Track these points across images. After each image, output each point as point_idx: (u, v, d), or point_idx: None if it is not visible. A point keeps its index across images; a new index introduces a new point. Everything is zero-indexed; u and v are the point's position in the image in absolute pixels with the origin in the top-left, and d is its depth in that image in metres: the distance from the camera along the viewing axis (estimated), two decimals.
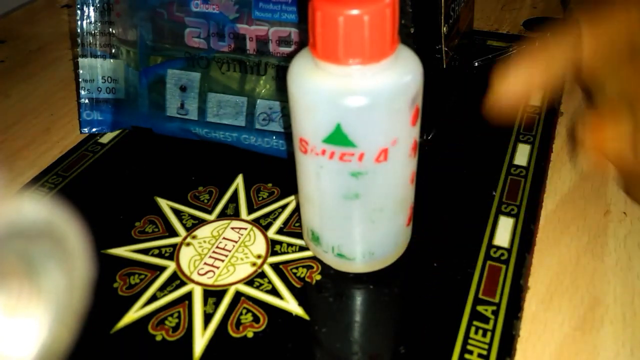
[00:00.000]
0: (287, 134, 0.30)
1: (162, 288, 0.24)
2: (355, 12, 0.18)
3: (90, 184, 0.31)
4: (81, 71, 0.33)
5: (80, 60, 0.33)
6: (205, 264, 0.25)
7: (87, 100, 0.34)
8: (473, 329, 0.22)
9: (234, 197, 0.29)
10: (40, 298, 0.11)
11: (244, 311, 0.23)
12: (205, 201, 0.29)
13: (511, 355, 0.21)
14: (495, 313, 0.23)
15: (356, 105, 0.19)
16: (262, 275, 0.25)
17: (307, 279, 0.24)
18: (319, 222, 0.23)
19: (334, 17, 0.18)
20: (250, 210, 0.28)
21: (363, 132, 0.19)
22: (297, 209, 0.28)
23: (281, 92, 0.30)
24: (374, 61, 0.19)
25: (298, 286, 0.24)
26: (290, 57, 0.29)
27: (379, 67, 0.19)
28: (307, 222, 0.24)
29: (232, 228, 0.27)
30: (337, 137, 0.19)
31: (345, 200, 0.21)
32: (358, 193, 0.21)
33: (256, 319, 0.23)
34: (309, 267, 0.25)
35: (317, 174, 0.21)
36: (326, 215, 0.22)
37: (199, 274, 0.25)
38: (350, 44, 0.18)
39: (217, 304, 0.24)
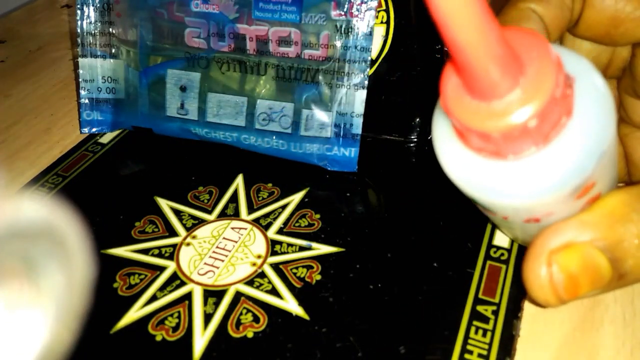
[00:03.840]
0: (287, 134, 0.30)
1: (162, 288, 0.24)
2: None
3: (90, 184, 0.31)
4: (81, 71, 0.33)
5: (80, 60, 0.33)
6: (205, 264, 0.25)
7: (87, 100, 0.34)
8: (473, 329, 0.22)
9: (234, 197, 0.29)
10: (40, 298, 0.11)
11: (244, 311, 0.23)
12: (205, 201, 0.29)
13: (511, 355, 0.21)
14: (495, 313, 0.23)
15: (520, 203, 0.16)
16: (262, 275, 0.25)
17: (307, 279, 0.24)
18: None
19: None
20: (250, 210, 0.28)
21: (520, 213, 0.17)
22: (297, 208, 0.28)
23: (281, 92, 0.30)
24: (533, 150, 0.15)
25: (298, 286, 0.24)
26: (290, 57, 0.29)
27: (535, 156, 0.15)
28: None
29: (232, 228, 0.27)
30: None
31: None
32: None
33: (256, 319, 0.23)
34: (309, 267, 0.25)
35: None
36: None
37: (199, 274, 0.25)
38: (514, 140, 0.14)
39: (217, 304, 0.24)
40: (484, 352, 0.21)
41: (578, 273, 0.16)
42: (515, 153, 0.14)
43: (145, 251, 0.26)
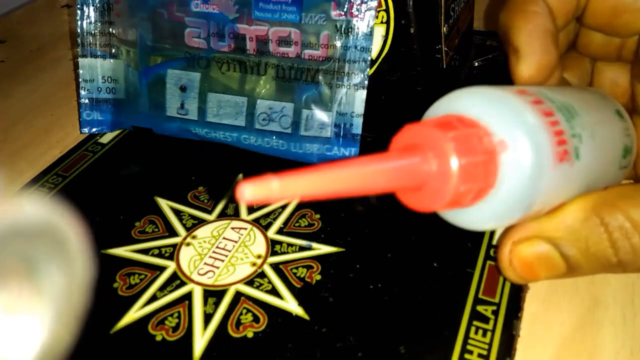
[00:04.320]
0: (287, 134, 0.30)
1: (162, 288, 0.24)
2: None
3: (90, 184, 0.31)
4: (81, 71, 0.33)
5: (80, 60, 0.33)
6: (205, 264, 0.25)
7: (87, 100, 0.34)
8: (473, 329, 0.22)
9: (234, 197, 0.29)
10: (40, 298, 0.11)
11: (244, 311, 0.23)
12: (205, 201, 0.29)
13: (511, 355, 0.21)
14: (495, 313, 0.23)
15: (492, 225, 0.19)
16: (262, 275, 0.25)
17: (307, 279, 0.24)
18: None
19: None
20: (250, 210, 0.28)
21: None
22: (297, 208, 0.28)
23: (281, 92, 0.30)
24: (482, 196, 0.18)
25: (298, 286, 0.24)
26: (290, 57, 0.29)
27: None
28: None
29: (232, 228, 0.27)
30: None
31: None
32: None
33: (256, 319, 0.23)
34: (309, 267, 0.25)
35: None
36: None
37: (199, 274, 0.25)
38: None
39: (217, 304, 0.24)
40: (484, 352, 0.21)
41: (532, 261, 0.20)
42: (470, 204, 0.18)
43: (145, 251, 0.26)
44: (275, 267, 0.25)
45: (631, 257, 0.18)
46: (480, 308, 0.23)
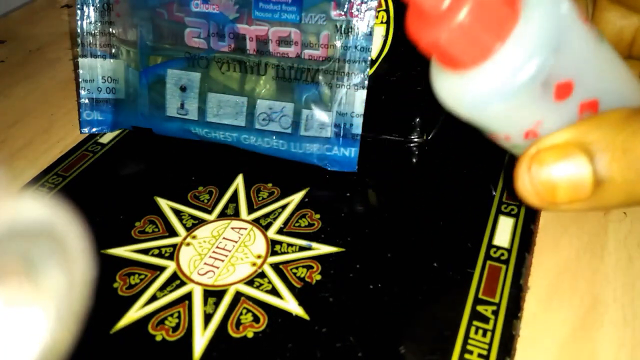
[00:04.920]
0: (287, 134, 0.30)
1: (162, 288, 0.24)
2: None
3: (90, 184, 0.31)
4: (81, 71, 0.33)
5: (80, 60, 0.33)
6: (205, 264, 0.25)
7: (87, 100, 0.34)
8: (473, 329, 0.22)
9: (234, 197, 0.29)
10: (40, 298, 0.11)
11: (244, 311, 0.23)
12: (205, 201, 0.29)
13: (511, 355, 0.21)
14: (495, 313, 0.23)
15: (495, 108, 0.17)
16: (262, 275, 0.25)
17: (307, 279, 0.24)
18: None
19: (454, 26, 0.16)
20: (250, 210, 0.28)
21: (504, 121, 0.18)
22: (297, 208, 0.28)
23: (281, 92, 0.30)
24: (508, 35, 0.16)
25: (298, 286, 0.24)
26: (290, 57, 0.29)
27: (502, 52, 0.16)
28: None
29: (232, 228, 0.27)
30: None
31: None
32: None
33: (256, 319, 0.23)
34: (309, 267, 0.25)
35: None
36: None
37: (199, 274, 0.25)
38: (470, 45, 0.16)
39: (217, 304, 0.24)
40: (484, 352, 0.21)
41: (557, 172, 0.17)
42: (472, 60, 0.16)
43: (145, 251, 0.26)
44: (275, 267, 0.25)
45: None
46: (480, 308, 0.23)
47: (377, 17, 0.29)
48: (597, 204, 0.17)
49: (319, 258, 0.25)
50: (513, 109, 0.17)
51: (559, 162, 0.17)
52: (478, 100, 0.17)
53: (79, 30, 0.33)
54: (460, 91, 0.17)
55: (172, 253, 0.26)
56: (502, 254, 0.25)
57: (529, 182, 0.17)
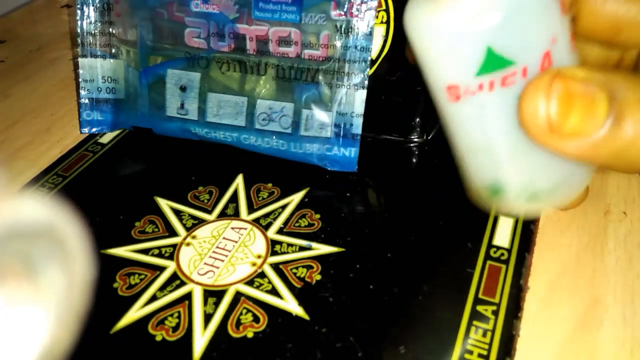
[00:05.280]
0: (287, 134, 0.30)
1: (162, 288, 0.24)
2: None
3: (90, 184, 0.31)
4: (81, 71, 0.33)
5: (80, 60, 0.33)
6: (205, 264, 0.25)
7: (87, 100, 0.34)
8: (473, 329, 0.22)
9: (234, 197, 0.29)
10: (39, 298, 0.11)
11: (244, 311, 0.23)
12: (205, 201, 0.29)
13: (511, 355, 0.21)
14: (495, 313, 0.23)
15: (498, 19, 0.16)
16: (262, 275, 0.25)
17: (307, 279, 0.24)
18: (500, 170, 0.20)
19: None
20: (250, 210, 0.28)
21: (517, 44, 0.17)
22: (297, 208, 0.28)
23: (281, 92, 0.30)
24: None
25: (298, 286, 0.24)
26: (290, 57, 0.29)
27: None
28: (482, 180, 0.21)
29: (232, 228, 0.27)
30: (492, 62, 0.17)
31: (519, 128, 0.18)
32: None
33: (256, 319, 0.23)
34: (309, 267, 0.25)
35: (480, 116, 0.19)
36: (507, 158, 0.19)
37: (199, 274, 0.25)
38: None
39: (217, 304, 0.24)
40: (484, 352, 0.21)
41: (575, 95, 0.16)
42: None
43: (145, 251, 0.26)
44: (275, 267, 0.25)
45: None
46: (480, 308, 0.23)
47: (377, 17, 0.29)
48: (598, 150, 0.17)
49: (319, 258, 0.25)
50: (528, 21, 0.17)
51: (580, 85, 0.16)
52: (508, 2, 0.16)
53: (79, 30, 0.33)
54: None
55: (172, 253, 0.26)
56: (502, 254, 0.25)
57: (544, 98, 0.16)
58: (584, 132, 0.16)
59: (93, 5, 0.33)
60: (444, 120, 0.20)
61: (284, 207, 0.28)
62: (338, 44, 0.29)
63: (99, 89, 0.34)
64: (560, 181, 0.20)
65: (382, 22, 0.29)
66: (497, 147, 0.19)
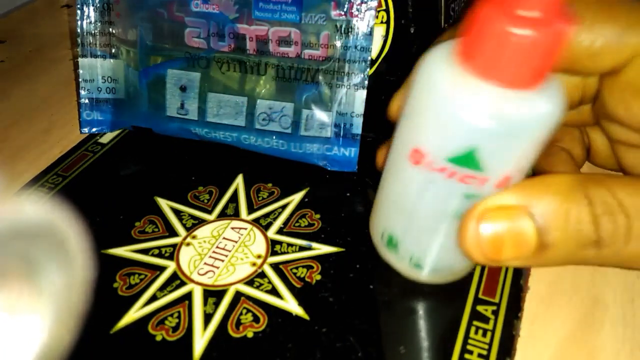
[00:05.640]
0: (287, 134, 0.30)
1: (162, 288, 0.24)
2: (535, 34, 0.16)
3: (90, 184, 0.31)
4: (81, 71, 0.33)
5: (80, 60, 0.33)
6: (205, 264, 0.25)
7: (87, 100, 0.34)
8: (473, 329, 0.22)
9: (234, 197, 0.29)
10: (40, 298, 0.11)
11: (244, 311, 0.23)
12: (205, 201, 0.29)
13: (511, 355, 0.21)
14: (495, 313, 0.23)
15: (502, 132, 0.17)
16: (262, 275, 0.25)
17: (307, 279, 0.24)
18: (405, 232, 0.21)
19: (509, 35, 0.16)
20: (250, 210, 0.28)
21: (496, 160, 0.18)
22: (297, 208, 0.28)
23: (281, 92, 0.30)
24: (530, 87, 0.17)
25: (298, 286, 0.24)
26: (290, 57, 0.29)
27: (530, 93, 0.17)
28: (385, 227, 0.22)
29: (232, 228, 0.27)
30: (467, 160, 0.18)
31: (447, 218, 0.20)
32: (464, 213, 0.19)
33: (256, 319, 0.23)
34: (309, 267, 0.25)
35: (422, 189, 0.19)
36: (418, 228, 0.21)
37: (199, 274, 0.25)
38: (515, 66, 0.16)
39: (217, 304, 0.24)
40: (484, 352, 0.21)
41: (503, 235, 0.17)
42: (531, 81, 0.17)
43: (145, 251, 0.26)
44: (275, 267, 0.25)
45: (611, 236, 0.17)
46: (480, 308, 0.23)
47: (377, 17, 0.29)
48: (539, 264, 0.18)
49: (319, 258, 0.25)
50: (516, 149, 0.17)
51: (506, 222, 0.17)
52: (529, 121, 0.17)
53: (79, 30, 0.33)
54: (514, 107, 0.17)
55: (172, 253, 0.26)
56: None
57: (475, 239, 0.18)
58: (518, 258, 0.18)
59: (93, 5, 0.33)
60: (390, 168, 0.21)
61: (284, 207, 0.28)
62: (338, 44, 0.29)
63: (99, 89, 0.34)
64: (446, 267, 0.22)
65: (382, 22, 0.29)
66: (416, 218, 0.21)
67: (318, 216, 0.28)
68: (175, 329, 0.23)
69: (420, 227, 0.21)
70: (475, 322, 0.22)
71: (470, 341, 0.22)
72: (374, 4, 0.28)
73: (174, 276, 0.25)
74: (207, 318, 0.23)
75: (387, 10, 0.29)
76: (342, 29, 0.28)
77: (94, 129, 0.34)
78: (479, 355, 0.21)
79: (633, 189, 0.17)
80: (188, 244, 0.26)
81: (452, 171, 0.18)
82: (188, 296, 0.24)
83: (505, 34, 0.16)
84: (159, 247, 0.26)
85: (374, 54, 0.30)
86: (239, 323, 0.23)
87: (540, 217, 0.17)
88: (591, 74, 0.22)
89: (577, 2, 0.20)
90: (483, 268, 0.24)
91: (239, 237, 0.27)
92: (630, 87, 0.20)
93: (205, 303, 0.24)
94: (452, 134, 0.17)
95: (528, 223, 0.17)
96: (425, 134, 0.18)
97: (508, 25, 0.16)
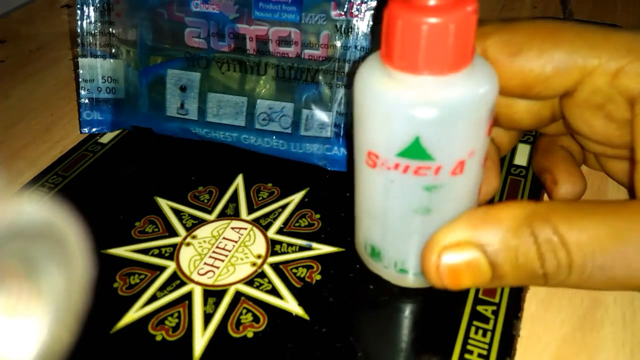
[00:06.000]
0: (287, 134, 0.30)
1: (162, 288, 0.24)
2: (440, 20, 0.17)
3: (90, 184, 0.31)
4: (81, 71, 0.33)
5: (80, 60, 0.33)
6: (205, 264, 0.25)
7: (87, 100, 0.34)
8: (473, 329, 0.22)
9: (234, 197, 0.29)
10: (40, 298, 0.11)
11: (244, 311, 0.23)
12: (205, 201, 0.29)
13: (511, 355, 0.21)
14: (495, 313, 0.23)
15: (438, 118, 0.18)
16: (262, 275, 0.25)
17: (307, 279, 0.24)
18: (382, 238, 0.22)
19: (417, 26, 0.17)
20: (250, 210, 0.28)
21: (442, 145, 0.18)
22: (297, 208, 0.28)
23: (281, 92, 0.30)
24: (455, 71, 0.18)
25: (298, 286, 0.24)
26: (290, 57, 0.29)
27: (458, 76, 0.18)
28: (365, 238, 0.23)
29: (232, 228, 0.27)
30: (415, 151, 0.18)
31: (415, 215, 0.20)
32: (430, 208, 0.20)
33: (256, 319, 0.23)
34: (309, 267, 0.25)
35: (385, 189, 0.20)
36: (392, 231, 0.21)
37: (199, 274, 0.25)
38: (432, 53, 0.17)
39: (217, 304, 0.24)
40: (484, 352, 0.21)
41: (460, 268, 0.19)
42: (453, 66, 0.18)
43: (145, 251, 0.26)
44: (275, 267, 0.25)
45: (555, 270, 0.18)
46: (480, 308, 0.23)
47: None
48: (499, 287, 0.20)
49: (319, 258, 0.25)
50: (458, 130, 0.18)
51: (461, 256, 0.19)
52: (454, 104, 0.18)
53: (79, 30, 0.33)
54: (436, 92, 0.18)
55: (172, 253, 0.26)
56: None
57: (436, 271, 0.19)
58: (477, 285, 0.19)
59: (93, 5, 0.33)
60: (356, 178, 0.22)
61: (284, 207, 0.28)
62: (338, 44, 0.29)
63: (99, 89, 0.34)
64: None
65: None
66: (388, 220, 0.21)
67: (318, 216, 0.28)
68: (175, 329, 0.23)
69: (394, 231, 0.22)
70: (475, 322, 0.22)
71: (470, 341, 0.22)
72: (374, 4, 0.28)
73: (174, 276, 0.25)
74: (207, 318, 0.23)
75: None
76: (342, 29, 0.28)
77: (94, 129, 0.34)
78: (479, 355, 0.21)
79: (573, 223, 0.18)
80: (188, 244, 0.26)
81: (405, 165, 0.19)
82: (188, 296, 0.24)
83: (413, 26, 0.17)
84: (159, 247, 0.26)
85: None
86: (239, 323, 0.23)
87: (492, 253, 0.19)
88: (548, 98, 0.22)
89: (523, 33, 0.21)
90: None
91: (239, 237, 0.27)
92: (588, 105, 0.21)
93: (205, 303, 0.24)
94: (394, 129, 0.18)
95: (482, 258, 0.19)
96: (372, 136, 0.19)
97: (414, 17, 0.17)
